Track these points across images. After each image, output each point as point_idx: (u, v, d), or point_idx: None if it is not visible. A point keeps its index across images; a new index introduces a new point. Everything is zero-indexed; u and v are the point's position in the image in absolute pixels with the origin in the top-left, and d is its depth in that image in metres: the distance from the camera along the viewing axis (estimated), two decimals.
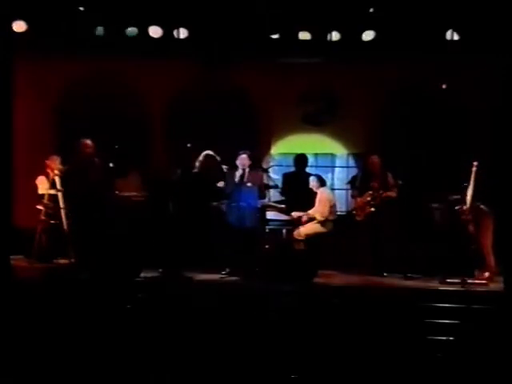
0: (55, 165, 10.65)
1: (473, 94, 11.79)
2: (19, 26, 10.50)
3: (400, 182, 10.60)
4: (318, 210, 10.65)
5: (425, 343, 7.90)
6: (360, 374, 7.20)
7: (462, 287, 9.62)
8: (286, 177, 11.65)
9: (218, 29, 10.83)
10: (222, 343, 8.00)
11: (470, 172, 9.86)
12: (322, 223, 10.61)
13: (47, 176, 10.67)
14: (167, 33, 11.01)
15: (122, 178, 11.18)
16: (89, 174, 10.50)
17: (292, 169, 11.90)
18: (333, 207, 10.78)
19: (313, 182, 10.83)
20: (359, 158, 12.31)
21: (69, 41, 10.92)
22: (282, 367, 7.25)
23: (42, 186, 10.67)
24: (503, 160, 8.86)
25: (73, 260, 10.35)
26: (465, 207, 9.79)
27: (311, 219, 10.72)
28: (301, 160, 11.72)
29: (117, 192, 10.98)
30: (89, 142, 10.59)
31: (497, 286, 9.37)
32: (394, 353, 7.67)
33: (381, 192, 10.55)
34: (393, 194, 10.61)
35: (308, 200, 10.71)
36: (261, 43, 11.10)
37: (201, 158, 10.81)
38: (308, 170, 11.76)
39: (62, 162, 10.76)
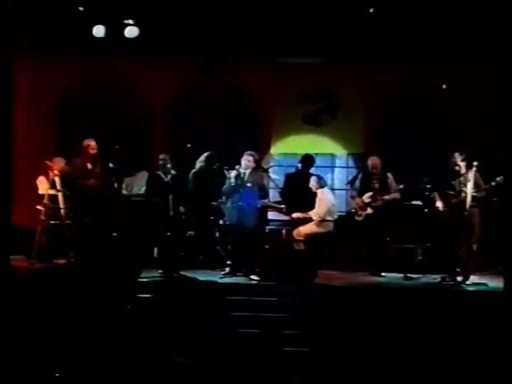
0: (58, 166, 10.63)
1: (473, 94, 11.79)
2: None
3: (401, 187, 10.58)
4: (316, 211, 10.64)
5: (425, 343, 7.90)
6: (361, 374, 7.20)
7: (461, 287, 9.64)
8: (289, 177, 11.61)
9: (218, 29, 10.83)
10: (222, 343, 8.00)
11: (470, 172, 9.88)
12: (321, 223, 10.59)
13: (48, 176, 10.66)
14: (167, 33, 11.02)
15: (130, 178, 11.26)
16: (93, 175, 10.50)
17: (293, 169, 11.89)
18: (332, 208, 10.75)
19: (313, 183, 10.81)
20: (359, 158, 12.31)
21: (69, 41, 10.92)
22: (282, 367, 7.25)
23: (42, 186, 10.66)
24: (504, 160, 8.83)
25: (73, 260, 10.35)
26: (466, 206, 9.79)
27: (309, 219, 10.70)
28: (307, 160, 11.65)
29: (126, 192, 11.05)
30: (93, 143, 10.59)
31: (497, 285, 9.36)
32: (394, 352, 7.67)
33: (385, 196, 10.53)
34: (396, 195, 10.61)
35: (310, 200, 10.69)
36: (261, 43, 11.10)
37: (202, 158, 10.78)
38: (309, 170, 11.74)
39: (66, 163, 10.77)
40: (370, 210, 10.64)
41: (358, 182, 10.98)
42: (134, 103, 12.10)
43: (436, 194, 10.03)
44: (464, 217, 9.72)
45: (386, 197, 10.55)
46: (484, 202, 9.86)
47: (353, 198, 11.16)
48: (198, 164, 10.85)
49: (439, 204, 10.02)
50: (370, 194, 10.66)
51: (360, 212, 10.73)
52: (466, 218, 9.74)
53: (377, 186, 10.65)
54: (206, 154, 10.81)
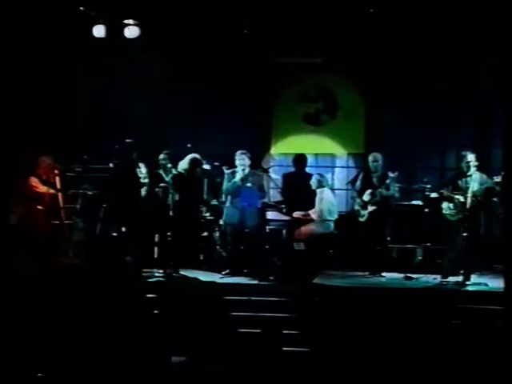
0: (49, 165, 10.57)
1: (474, 93, 11.79)
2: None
3: (396, 174, 10.56)
4: (315, 211, 10.64)
5: (425, 343, 7.90)
6: (361, 374, 7.20)
7: (462, 287, 9.65)
8: (287, 177, 11.63)
9: (218, 28, 10.84)
10: (222, 343, 8.00)
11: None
12: (321, 223, 10.58)
13: (39, 176, 10.55)
14: (167, 32, 11.03)
15: None
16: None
17: (291, 169, 11.90)
18: (332, 208, 10.73)
19: (313, 182, 10.81)
20: (359, 158, 12.33)
21: (69, 40, 10.93)
22: (282, 367, 7.25)
23: (38, 185, 10.60)
24: (504, 159, 8.83)
25: (76, 260, 10.36)
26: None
27: (310, 219, 10.70)
28: (300, 160, 11.69)
29: None
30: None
31: (497, 285, 9.36)
32: (394, 353, 7.67)
33: (383, 191, 10.51)
34: (395, 192, 10.60)
35: (308, 200, 10.69)
36: (261, 43, 11.12)
37: (185, 160, 10.63)
38: (308, 170, 11.75)
39: (55, 162, 10.73)
40: (370, 208, 10.59)
41: (358, 183, 10.92)
42: (134, 102, 12.05)
43: (445, 192, 9.99)
44: (470, 216, 9.72)
45: (384, 191, 10.52)
46: (488, 201, 9.87)
47: (354, 198, 11.10)
48: (181, 166, 10.64)
49: (445, 203, 9.96)
50: (369, 191, 10.61)
51: (362, 212, 10.68)
52: (472, 217, 9.74)
53: (378, 184, 10.61)
54: (189, 157, 10.64)
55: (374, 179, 10.67)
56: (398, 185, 10.65)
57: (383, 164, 10.74)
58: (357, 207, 10.78)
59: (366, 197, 10.63)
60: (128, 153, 10.39)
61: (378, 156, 10.73)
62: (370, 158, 10.75)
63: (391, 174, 10.53)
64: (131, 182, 10.32)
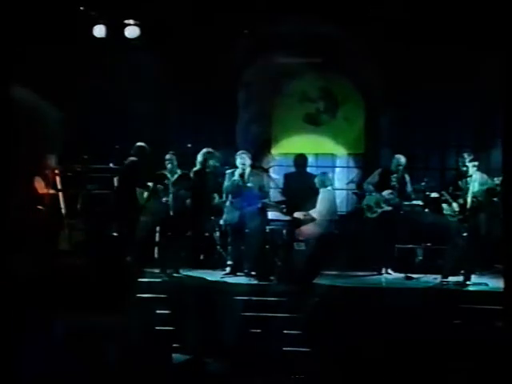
0: (49, 165, 10.57)
1: (474, 93, 11.80)
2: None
3: (426, 180, 10.56)
4: (316, 210, 10.64)
5: (425, 343, 7.90)
6: (361, 374, 7.21)
7: (462, 287, 9.65)
8: (287, 177, 11.64)
9: (218, 28, 10.86)
10: (223, 343, 8.02)
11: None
12: (322, 223, 10.59)
13: (43, 176, 10.56)
14: (167, 31, 11.05)
15: None
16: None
17: (292, 169, 11.91)
18: (333, 208, 10.72)
19: (317, 181, 10.80)
20: (359, 158, 12.34)
21: (69, 40, 10.95)
22: (282, 366, 7.26)
23: (40, 185, 10.61)
24: (504, 159, 8.83)
25: (76, 260, 10.35)
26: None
27: (310, 219, 10.70)
28: (300, 160, 11.71)
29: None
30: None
31: (497, 285, 9.36)
32: (395, 353, 7.67)
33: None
34: (412, 194, 10.62)
35: (309, 200, 10.70)
36: (261, 43, 11.14)
37: (201, 155, 10.70)
38: (308, 170, 11.76)
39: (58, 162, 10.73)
40: (386, 208, 10.56)
41: (376, 178, 10.83)
42: (133, 101, 12.06)
43: (445, 194, 9.98)
44: (470, 216, 9.71)
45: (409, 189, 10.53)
46: (488, 201, 9.88)
47: (367, 193, 10.93)
48: (198, 161, 10.74)
49: (445, 204, 9.96)
50: (389, 191, 10.58)
51: (375, 209, 10.64)
52: (472, 218, 9.74)
53: (396, 184, 10.58)
54: (203, 151, 10.72)
55: (393, 179, 10.61)
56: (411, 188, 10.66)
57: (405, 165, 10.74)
58: (371, 202, 10.71)
59: (388, 195, 10.56)
60: (137, 155, 10.41)
61: (403, 161, 10.67)
62: (395, 161, 10.67)
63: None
64: (136, 183, 10.35)
